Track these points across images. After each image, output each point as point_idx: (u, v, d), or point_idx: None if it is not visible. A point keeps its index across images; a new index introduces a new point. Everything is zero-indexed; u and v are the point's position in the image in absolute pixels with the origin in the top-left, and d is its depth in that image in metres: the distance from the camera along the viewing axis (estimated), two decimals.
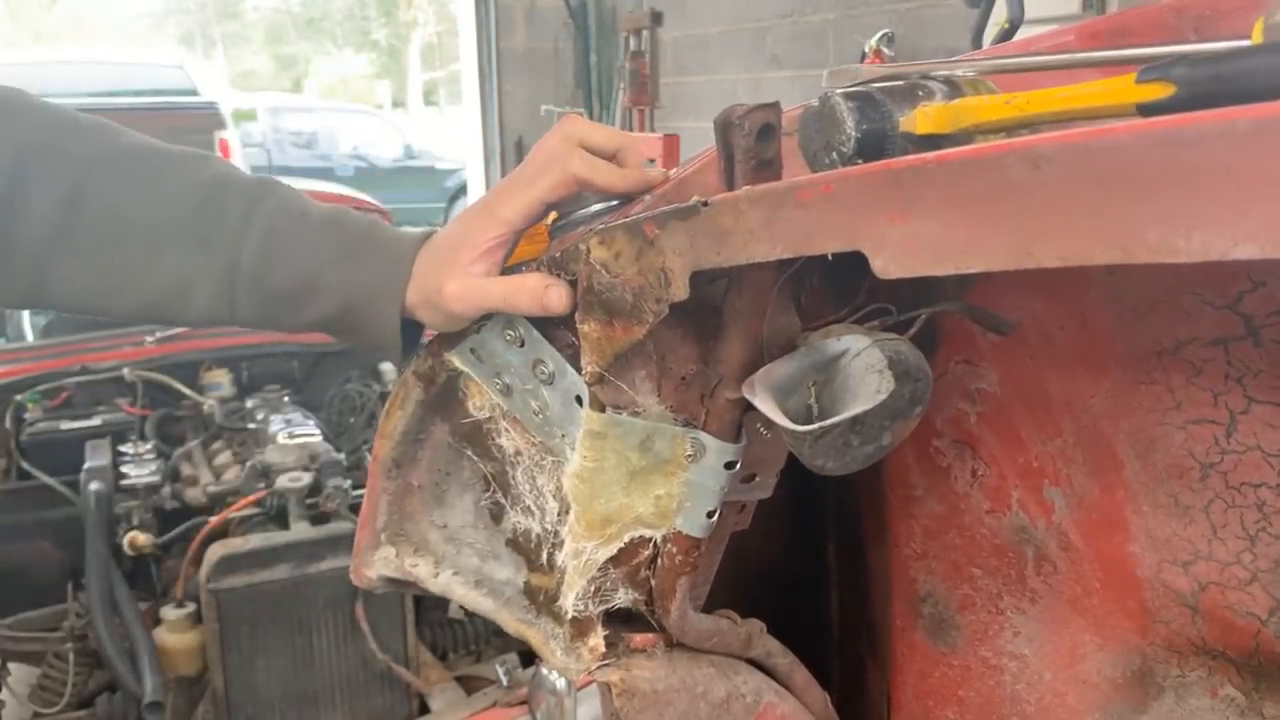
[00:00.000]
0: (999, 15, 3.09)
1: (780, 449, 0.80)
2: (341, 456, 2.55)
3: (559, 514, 0.82)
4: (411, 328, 0.82)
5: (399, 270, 0.79)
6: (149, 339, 3.01)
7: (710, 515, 0.76)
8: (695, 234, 0.62)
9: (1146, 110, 0.51)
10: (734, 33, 5.69)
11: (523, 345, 0.79)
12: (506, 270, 0.78)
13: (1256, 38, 0.52)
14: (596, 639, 0.81)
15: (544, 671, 1.82)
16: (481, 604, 0.88)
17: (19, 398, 2.81)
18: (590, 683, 1.29)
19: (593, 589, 0.79)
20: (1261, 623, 0.71)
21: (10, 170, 0.79)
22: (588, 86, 6.88)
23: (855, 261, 0.51)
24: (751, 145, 0.66)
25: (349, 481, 2.45)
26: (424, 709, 2.34)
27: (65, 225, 0.80)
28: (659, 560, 0.79)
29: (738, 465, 0.75)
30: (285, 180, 0.87)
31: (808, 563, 1.05)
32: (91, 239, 0.80)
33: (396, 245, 0.80)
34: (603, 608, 0.80)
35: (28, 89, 0.85)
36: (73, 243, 0.80)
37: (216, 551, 2.20)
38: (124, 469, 2.54)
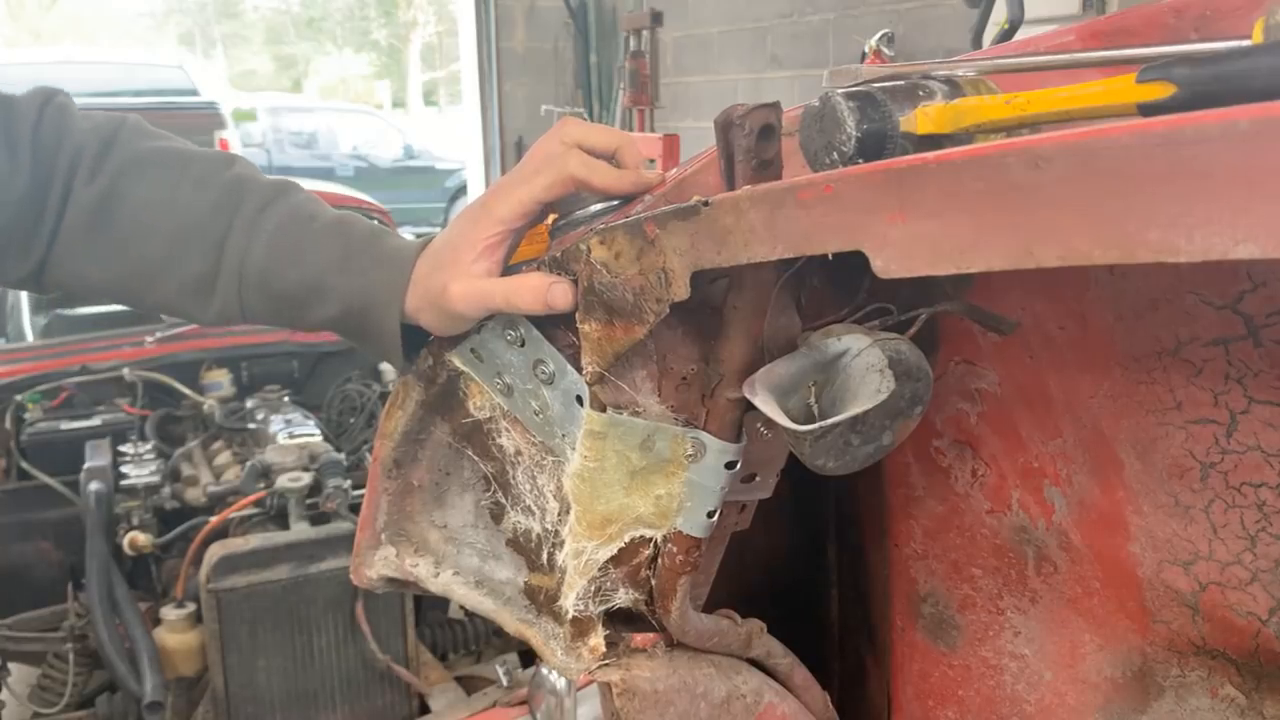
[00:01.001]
0: (999, 15, 3.09)
1: (780, 449, 0.80)
2: (341, 456, 2.55)
3: (559, 514, 0.82)
4: (414, 333, 0.82)
5: (399, 276, 0.79)
6: (149, 339, 3.01)
7: (710, 515, 0.76)
8: (696, 234, 0.62)
9: (1147, 110, 0.51)
10: (734, 33, 5.69)
11: (523, 345, 0.79)
12: (507, 271, 0.78)
13: (1256, 38, 0.52)
14: (597, 639, 0.80)
15: (544, 671, 1.82)
16: (482, 604, 0.88)
17: (19, 398, 2.82)
18: (590, 683, 1.29)
19: (593, 589, 0.79)
20: (1261, 623, 0.71)
21: (68, 168, 0.85)
22: (588, 87, 6.87)
23: (856, 261, 0.51)
24: (752, 145, 0.66)
25: (349, 481, 2.45)
26: (424, 709, 2.35)
27: (99, 222, 0.85)
28: (659, 560, 0.79)
29: (738, 465, 0.75)
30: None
31: (808, 563, 1.05)
32: (121, 235, 0.85)
33: (397, 252, 0.81)
34: (603, 608, 0.80)
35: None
36: (105, 239, 0.85)
37: (216, 551, 2.20)
38: (124, 469, 2.54)
